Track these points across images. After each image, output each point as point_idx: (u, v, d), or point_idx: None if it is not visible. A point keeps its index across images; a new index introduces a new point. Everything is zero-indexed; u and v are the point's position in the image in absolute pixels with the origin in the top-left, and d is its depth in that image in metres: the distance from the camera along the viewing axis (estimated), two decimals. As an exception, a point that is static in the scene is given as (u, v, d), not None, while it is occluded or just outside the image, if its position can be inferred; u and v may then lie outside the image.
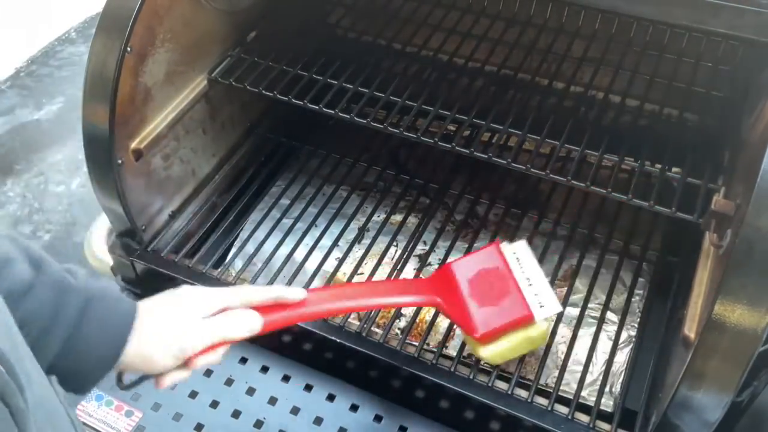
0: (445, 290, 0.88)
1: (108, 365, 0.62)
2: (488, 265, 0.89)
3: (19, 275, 0.57)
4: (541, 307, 0.86)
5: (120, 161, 0.99)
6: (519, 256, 0.91)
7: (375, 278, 1.11)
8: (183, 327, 0.67)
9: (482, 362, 0.91)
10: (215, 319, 0.69)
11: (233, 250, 1.17)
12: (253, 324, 0.72)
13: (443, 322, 1.07)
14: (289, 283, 1.07)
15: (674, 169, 0.97)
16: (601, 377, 0.99)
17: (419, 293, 0.89)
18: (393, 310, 1.09)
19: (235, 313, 0.71)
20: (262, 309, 0.73)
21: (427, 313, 1.09)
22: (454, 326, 1.02)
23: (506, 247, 0.92)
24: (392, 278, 1.11)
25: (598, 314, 1.06)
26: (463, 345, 0.97)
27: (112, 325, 0.62)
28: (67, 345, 0.59)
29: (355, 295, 0.84)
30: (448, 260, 1.14)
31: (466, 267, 0.90)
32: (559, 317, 1.03)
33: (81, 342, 0.60)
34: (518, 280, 0.88)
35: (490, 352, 0.87)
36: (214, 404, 0.96)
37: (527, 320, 0.86)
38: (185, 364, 0.68)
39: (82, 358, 0.61)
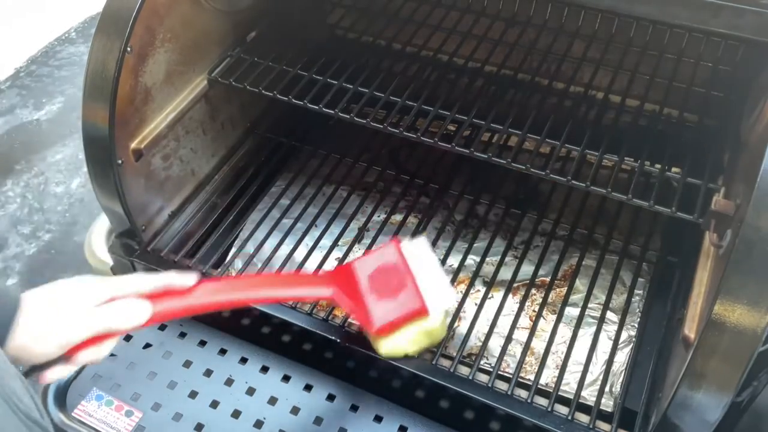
0: (343, 285, 0.89)
1: None
2: (387, 261, 0.91)
3: None
4: (435, 300, 0.88)
5: (120, 161, 0.99)
6: (418, 252, 0.92)
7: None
8: (65, 316, 0.65)
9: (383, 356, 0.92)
10: (99, 308, 0.67)
11: (233, 250, 1.17)
12: (139, 314, 0.69)
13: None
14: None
15: (674, 169, 0.97)
16: (600, 377, 0.99)
17: (313, 285, 0.90)
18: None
19: (121, 303, 0.69)
20: (154, 297, 0.72)
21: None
22: (453, 328, 1.02)
23: (406, 244, 0.93)
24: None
25: (597, 314, 1.06)
26: (463, 345, 0.97)
27: None
28: None
29: (247, 287, 0.85)
30: (448, 260, 1.15)
31: (365, 264, 0.91)
32: (560, 317, 1.03)
33: None
34: (416, 276, 0.89)
35: (388, 346, 0.89)
36: (214, 404, 0.96)
37: (421, 313, 0.87)
38: (67, 358, 0.66)
39: None
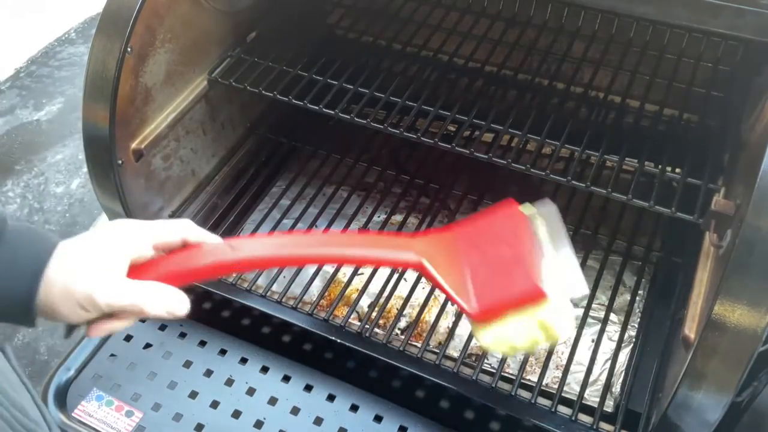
0: (437, 252, 0.69)
1: (24, 312, 0.56)
2: (501, 229, 0.71)
3: None
4: (558, 284, 0.67)
5: (120, 161, 0.99)
6: (543, 221, 0.72)
7: (375, 279, 1.10)
8: (98, 278, 0.58)
9: (486, 351, 0.74)
10: (142, 285, 0.60)
11: (233, 251, 1.17)
12: (179, 308, 0.61)
13: (444, 323, 1.07)
14: (290, 284, 1.07)
15: (675, 170, 0.97)
16: (602, 378, 0.99)
17: (397, 249, 0.69)
18: (393, 310, 1.09)
19: (167, 291, 0.61)
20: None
21: (428, 314, 1.09)
22: (455, 329, 1.02)
23: (528, 209, 0.73)
24: (384, 268, 1.07)
25: (598, 315, 1.06)
26: (465, 346, 0.97)
27: (24, 263, 0.56)
28: None
29: (311, 244, 0.68)
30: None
31: (470, 227, 0.72)
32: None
33: None
34: (536, 249, 0.69)
35: (489, 337, 0.68)
36: (214, 404, 0.96)
37: (535, 297, 0.66)
38: (115, 315, 0.60)
39: None
